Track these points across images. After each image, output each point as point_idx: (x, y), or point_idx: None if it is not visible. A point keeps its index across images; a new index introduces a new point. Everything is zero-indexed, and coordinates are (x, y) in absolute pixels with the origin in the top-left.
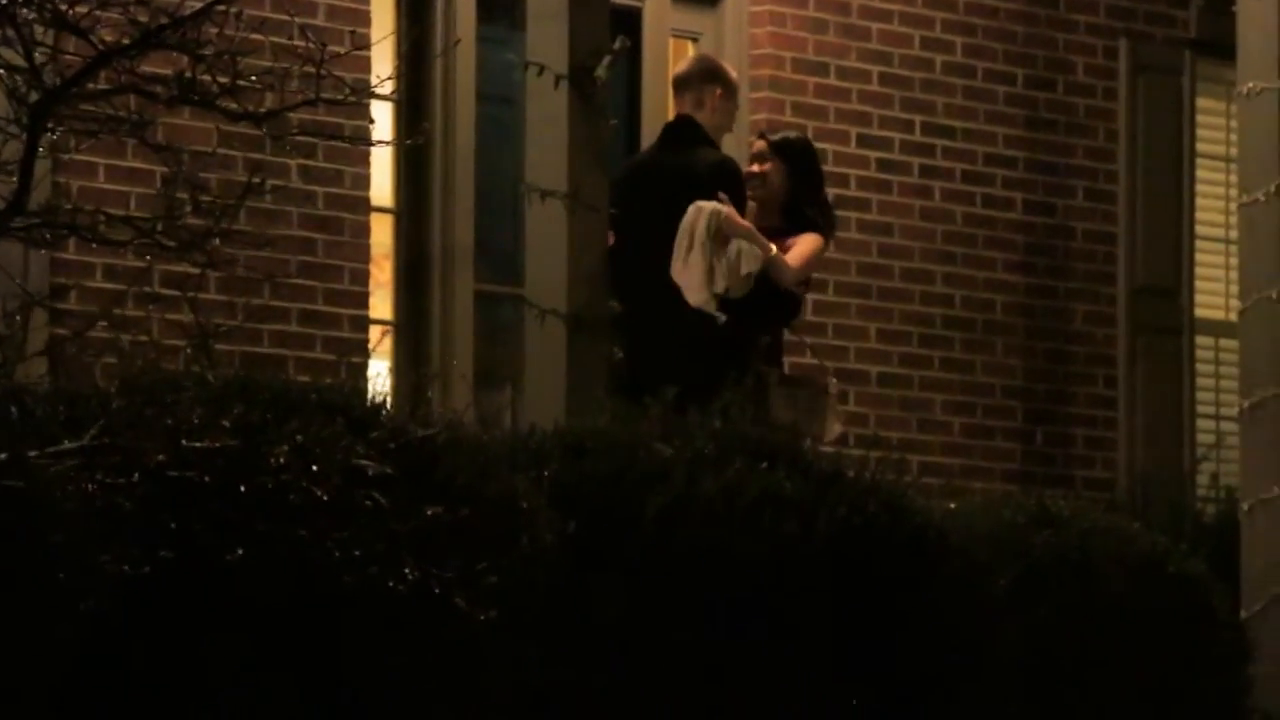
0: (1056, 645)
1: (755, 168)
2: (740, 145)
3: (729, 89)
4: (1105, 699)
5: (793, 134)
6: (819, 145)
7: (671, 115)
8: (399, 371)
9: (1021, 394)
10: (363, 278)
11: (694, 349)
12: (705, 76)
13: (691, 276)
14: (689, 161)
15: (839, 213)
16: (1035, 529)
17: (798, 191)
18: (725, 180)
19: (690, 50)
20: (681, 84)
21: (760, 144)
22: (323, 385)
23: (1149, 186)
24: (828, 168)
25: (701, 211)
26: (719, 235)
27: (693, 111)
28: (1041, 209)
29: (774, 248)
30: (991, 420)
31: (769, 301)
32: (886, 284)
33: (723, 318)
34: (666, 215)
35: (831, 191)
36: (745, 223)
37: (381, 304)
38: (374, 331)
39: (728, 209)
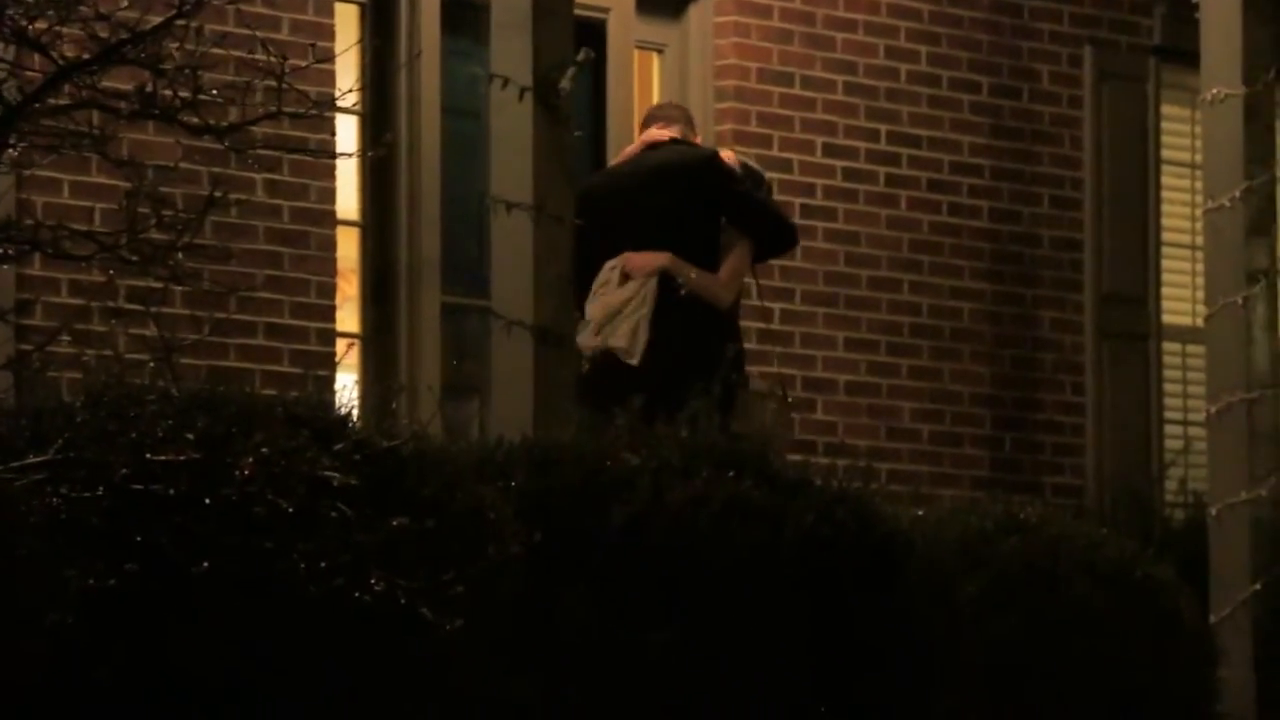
0: (1024, 651)
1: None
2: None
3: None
4: (1073, 705)
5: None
6: (785, 155)
7: (637, 139)
8: (366, 384)
9: (989, 401)
10: (329, 291)
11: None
12: (689, 122)
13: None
14: (666, 158)
15: (806, 222)
16: (1003, 536)
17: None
18: (710, 172)
19: (655, 62)
20: (665, 118)
21: (731, 155)
22: (288, 398)
23: (1115, 193)
24: (794, 177)
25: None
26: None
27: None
28: (1008, 217)
29: (697, 276)
30: (960, 427)
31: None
32: (854, 293)
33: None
34: (641, 215)
35: (798, 201)
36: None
37: (348, 317)
38: (340, 344)
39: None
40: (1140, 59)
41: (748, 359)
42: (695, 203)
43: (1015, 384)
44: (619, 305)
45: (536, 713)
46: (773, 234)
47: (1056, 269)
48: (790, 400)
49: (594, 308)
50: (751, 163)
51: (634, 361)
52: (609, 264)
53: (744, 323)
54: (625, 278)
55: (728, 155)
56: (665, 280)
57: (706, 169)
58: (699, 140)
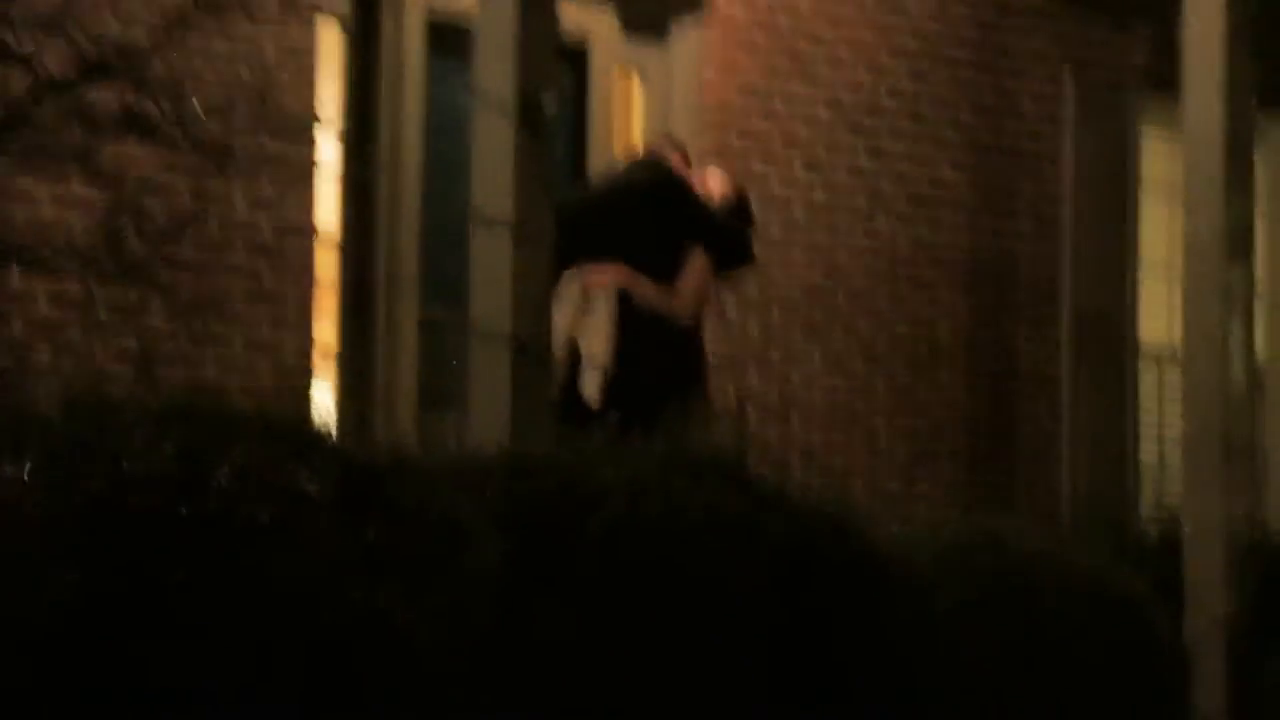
0: (999, 669)
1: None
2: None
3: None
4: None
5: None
6: (761, 169)
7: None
8: (343, 397)
9: (966, 418)
10: (307, 304)
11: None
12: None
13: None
14: (632, 178)
15: (785, 238)
16: (979, 552)
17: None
18: (666, 189)
19: (637, 81)
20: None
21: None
22: (265, 410)
23: (1094, 213)
24: (771, 192)
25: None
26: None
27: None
28: (986, 236)
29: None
30: (936, 444)
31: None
32: (831, 309)
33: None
34: (606, 232)
35: (776, 218)
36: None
37: (326, 331)
38: (318, 357)
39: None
40: (1121, 83)
41: (717, 373)
42: (656, 219)
43: (992, 400)
44: (589, 323)
45: None
46: (730, 249)
47: (1034, 286)
48: (748, 416)
49: (559, 321)
50: (736, 182)
51: (600, 374)
52: (568, 275)
53: (717, 336)
54: (586, 292)
55: (717, 174)
56: (624, 296)
57: (667, 186)
58: (685, 168)
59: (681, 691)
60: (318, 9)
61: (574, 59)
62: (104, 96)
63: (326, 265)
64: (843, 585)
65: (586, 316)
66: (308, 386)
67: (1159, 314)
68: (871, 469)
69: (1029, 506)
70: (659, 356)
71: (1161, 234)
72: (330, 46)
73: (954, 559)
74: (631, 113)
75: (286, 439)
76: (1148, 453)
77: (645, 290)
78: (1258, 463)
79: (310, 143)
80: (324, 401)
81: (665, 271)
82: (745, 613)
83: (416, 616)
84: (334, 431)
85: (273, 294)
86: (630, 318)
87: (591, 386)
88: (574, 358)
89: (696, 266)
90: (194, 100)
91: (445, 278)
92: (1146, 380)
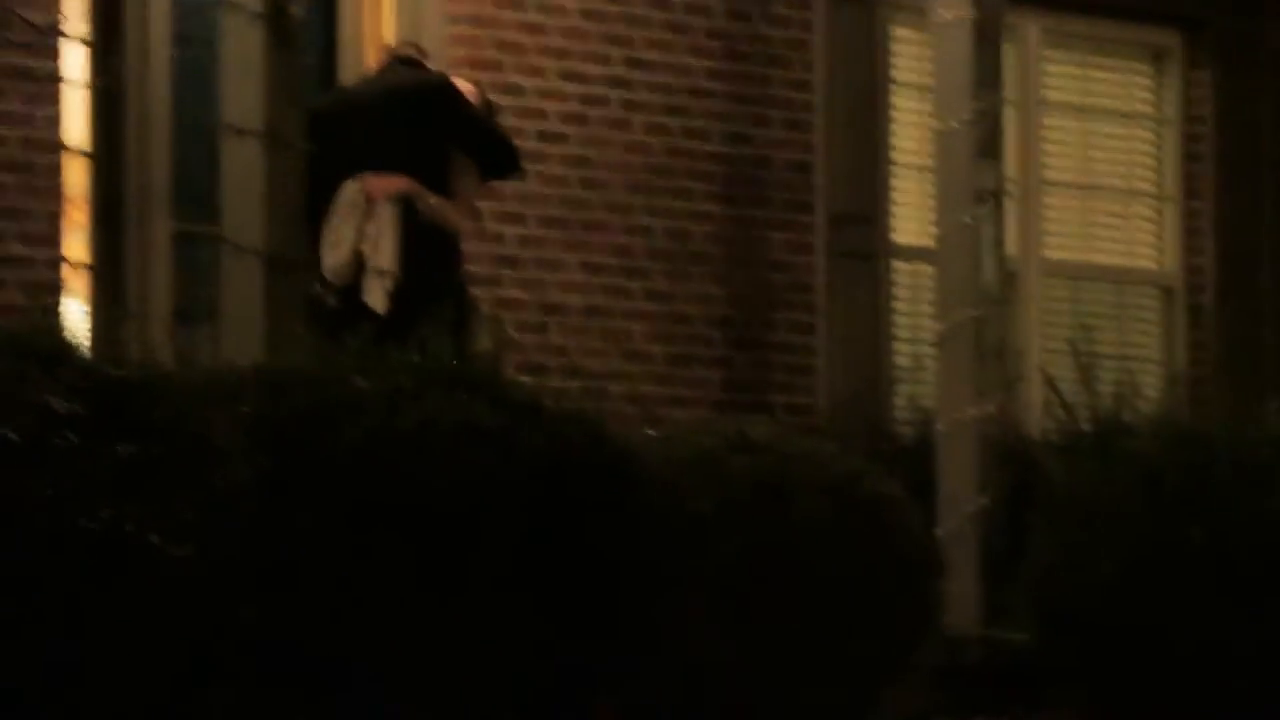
0: (754, 568)
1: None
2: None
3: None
4: (800, 618)
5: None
6: (518, 80)
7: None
8: (96, 312)
9: (722, 322)
10: (57, 219)
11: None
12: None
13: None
14: (399, 81)
15: (539, 146)
16: (734, 454)
17: None
18: (440, 95)
19: None
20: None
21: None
22: (12, 325)
23: (846, 115)
24: (526, 103)
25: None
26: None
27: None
28: (740, 140)
29: (436, 202)
30: (692, 349)
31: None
32: (587, 216)
33: (331, 300)
34: (373, 138)
35: (531, 126)
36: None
37: (77, 245)
38: (68, 272)
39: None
40: None
41: (477, 282)
42: (425, 126)
43: (747, 305)
44: (375, 230)
45: (266, 637)
46: (497, 159)
47: (788, 190)
48: (504, 324)
49: (345, 229)
50: (487, 95)
51: (387, 281)
52: (350, 185)
53: (476, 246)
54: (369, 200)
55: (466, 87)
56: (407, 205)
57: (437, 92)
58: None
59: (435, 600)
60: None
61: None
62: None
63: (77, 180)
64: (596, 490)
65: (370, 224)
66: (59, 303)
67: (914, 215)
68: (629, 375)
69: (785, 409)
70: (438, 266)
71: (916, 135)
72: None
73: (710, 462)
74: (382, 21)
75: (36, 355)
76: (904, 355)
77: (428, 200)
78: (1011, 363)
79: (56, 55)
80: (76, 317)
81: (431, 179)
82: (500, 522)
83: (168, 534)
84: (85, 347)
85: (22, 210)
86: (412, 227)
87: (377, 295)
88: (358, 266)
89: (469, 176)
90: None
91: (199, 189)
92: (902, 282)
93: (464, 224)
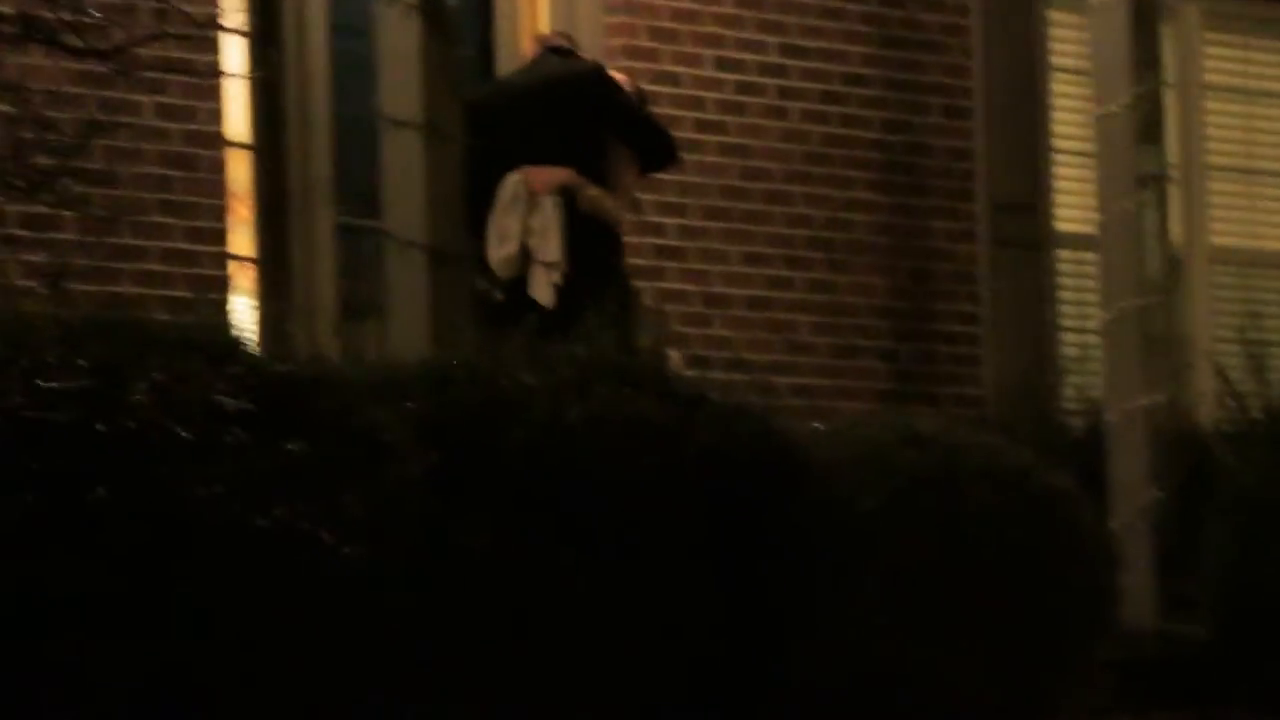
0: (925, 562)
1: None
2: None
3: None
4: (975, 612)
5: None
6: (674, 69)
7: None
8: (261, 308)
9: (885, 313)
10: (221, 214)
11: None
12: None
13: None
14: (553, 72)
15: (697, 136)
16: (902, 448)
17: None
18: (596, 84)
19: None
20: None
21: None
22: (181, 322)
23: (1005, 101)
24: (684, 91)
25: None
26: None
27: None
28: (898, 127)
29: (596, 193)
30: (857, 340)
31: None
32: (747, 206)
33: (498, 295)
34: (531, 129)
35: (688, 115)
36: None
37: (242, 240)
38: (234, 267)
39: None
40: None
41: (640, 274)
42: (581, 116)
43: (911, 295)
44: (539, 224)
45: (436, 634)
46: (654, 149)
47: (949, 178)
48: (668, 317)
49: (509, 222)
50: (640, 85)
51: (554, 274)
52: (512, 178)
53: (638, 238)
54: (531, 193)
55: (620, 77)
56: (569, 197)
57: (592, 81)
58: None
59: (608, 596)
60: None
61: None
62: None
63: (240, 173)
64: (765, 486)
65: (534, 218)
66: (225, 298)
67: (1076, 202)
68: (793, 367)
69: (951, 400)
70: (600, 258)
71: (1077, 120)
72: None
73: (877, 455)
74: (537, 11)
75: (204, 352)
76: (1069, 343)
77: (590, 191)
78: (1179, 351)
79: (215, 48)
80: (242, 313)
81: (590, 170)
82: (669, 517)
83: (339, 531)
84: (252, 343)
85: (186, 205)
86: (574, 219)
87: (544, 288)
88: (524, 260)
89: (628, 166)
90: (90, 7)
91: (361, 182)
92: (1065, 270)
93: (623, 214)
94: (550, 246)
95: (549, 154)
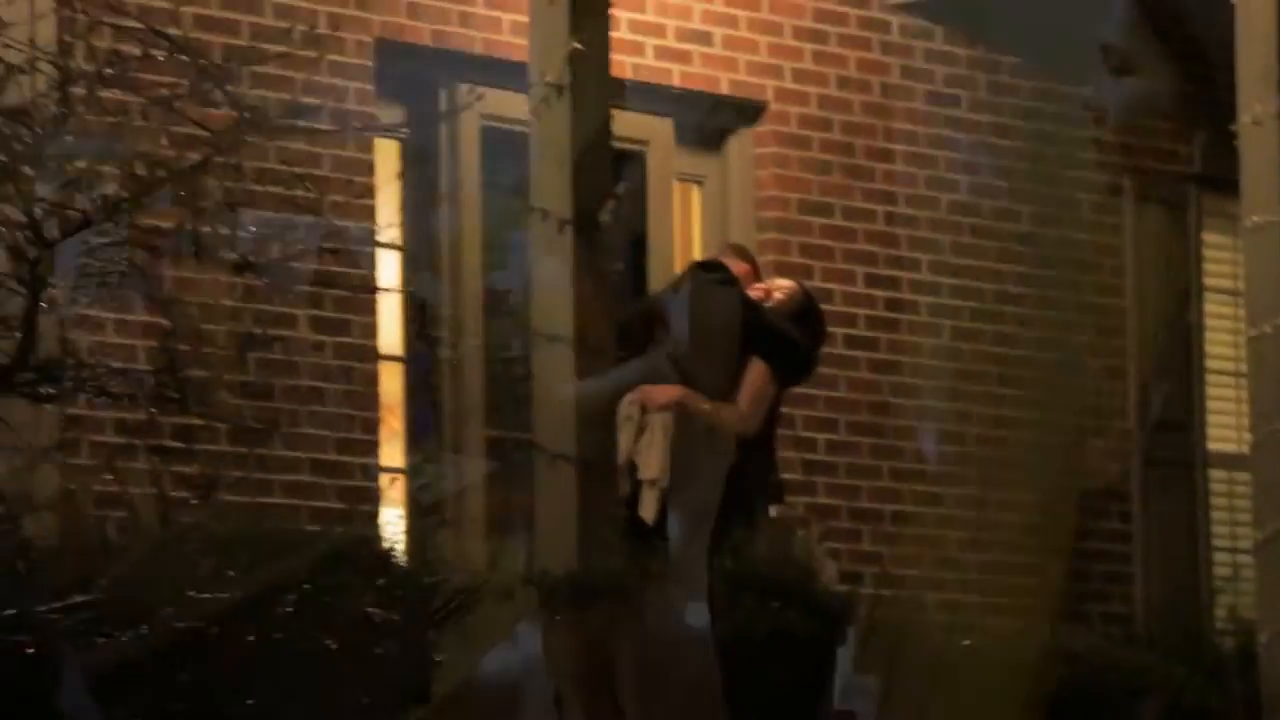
0: None
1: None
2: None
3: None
4: None
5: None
6: (827, 285)
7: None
8: (411, 519)
9: (1037, 528)
10: (373, 426)
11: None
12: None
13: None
14: (698, 294)
15: (849, 352)
16: (1052, 664)
17: None
18: (733, 313)
19: (695, 193)
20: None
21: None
22: (330, 533)
23: (1158, 320)
24: (835, 307)
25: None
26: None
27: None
28: (1051, 345)
29: (710, 408)
30: (1007, 555)
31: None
32: (897, 422)
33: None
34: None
35: (840, 331)
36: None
37: (393, 451)
38: (385, 480)
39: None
40: (1180, 186)
41: (788, 489)
42: (721, 341)
43: (1063, 512)
44: (646, 440)
45: None
46: (786, 362)
47: (1101, 397)
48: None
49: (620, 441)
50: (806, 289)
51: (657, 493)
52: (628, 399)
53: (789, 453)
54: (644, 412)
55: (784, 284)
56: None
57: (734, 309)
58: (752, 279)
59: None
60: (375, 125)
61: (631, 169)
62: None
63: (392, 386)
64: None
65: (643, 436)
66: (375, 510)
67: (1229, 422)
68: (943, 582)
69: (1103, 618)
70: (708, 472)
71: (1229, 341)
72: (387, 160)
73: (1024, 673)
74: (691, 224)
75: (351, 563)
76: (1220, 563)
77: (702, 407)
78: None
79: (371, 263)
80: (391, 524)
81: (720, 385)
82: None
83: None
84: (400, 553)
85: (337, 416)
86: (689, 435)
87: (649, 506)
88: (634, 477)
89: (754, 379)
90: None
91: (510, 395)
92: (1217, 489)
93: (744, 425)
94: (652, 463)
95: (683, 371)
